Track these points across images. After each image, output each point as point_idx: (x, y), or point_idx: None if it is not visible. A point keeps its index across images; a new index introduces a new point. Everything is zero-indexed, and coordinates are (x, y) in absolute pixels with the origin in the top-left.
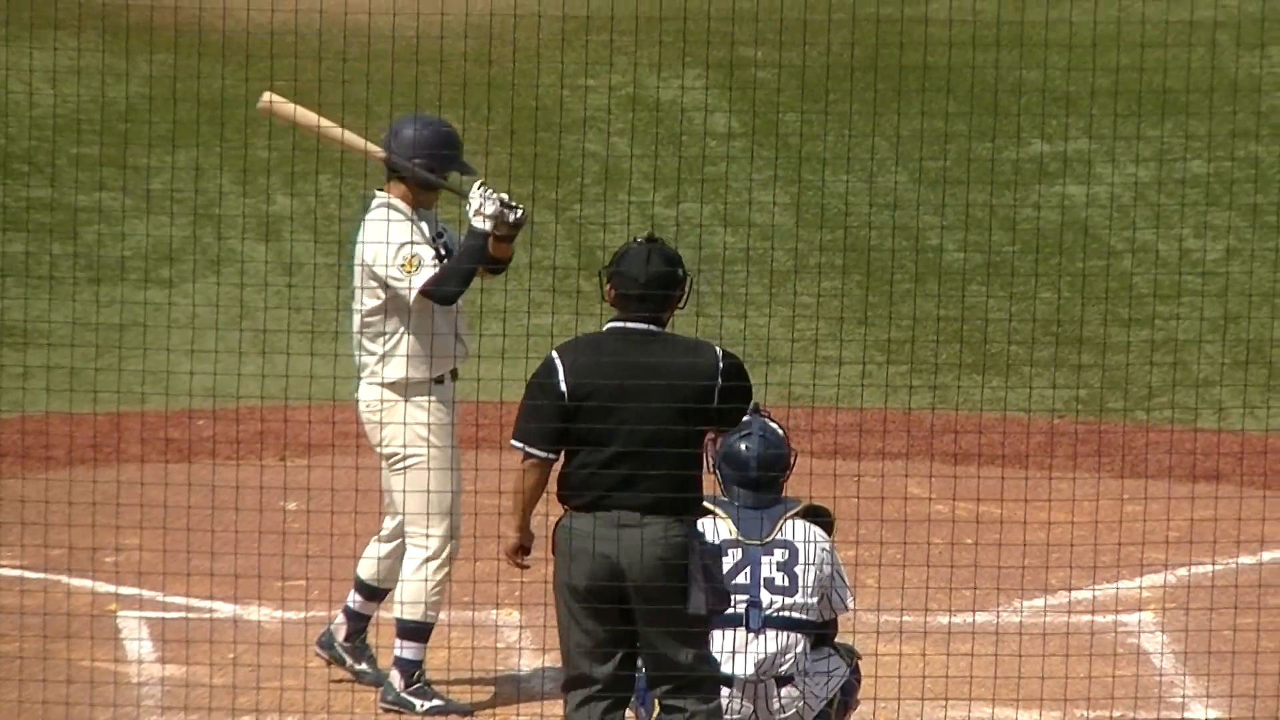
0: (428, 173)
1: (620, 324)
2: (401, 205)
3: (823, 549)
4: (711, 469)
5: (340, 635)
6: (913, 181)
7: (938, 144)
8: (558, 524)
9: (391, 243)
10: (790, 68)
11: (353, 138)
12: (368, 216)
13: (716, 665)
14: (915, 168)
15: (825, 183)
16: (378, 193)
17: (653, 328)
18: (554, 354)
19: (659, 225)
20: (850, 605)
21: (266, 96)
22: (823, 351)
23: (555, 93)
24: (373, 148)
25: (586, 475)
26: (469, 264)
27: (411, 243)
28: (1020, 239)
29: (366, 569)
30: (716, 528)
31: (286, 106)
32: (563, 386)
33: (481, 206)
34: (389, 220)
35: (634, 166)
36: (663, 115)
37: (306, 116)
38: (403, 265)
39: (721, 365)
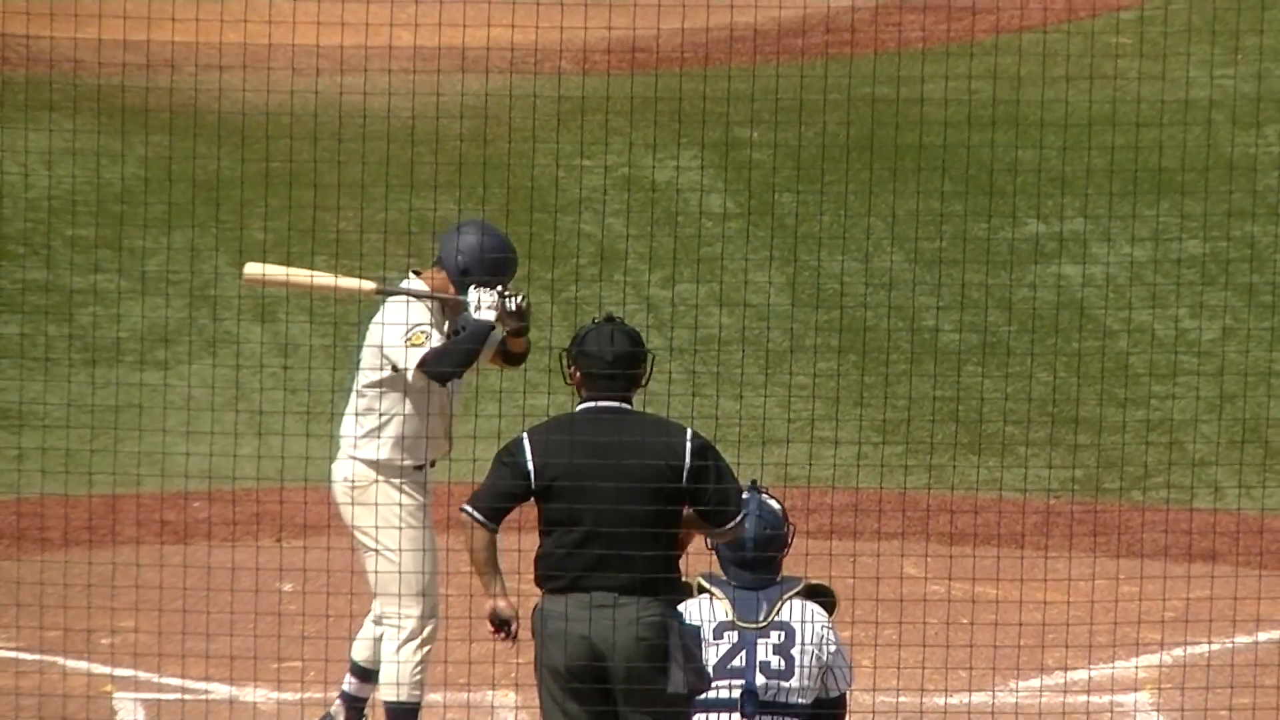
0: (463, 272)
1: (591, 403)
2: (419, 302)
3: (822, 627)
4: (709, 548)
5: (341, 719)
6: (909, 262)
7: (934, 224)
8: (535, 608)
9: (398, 323)
10: (786, 148)
11: (346, 281)
12: (385, 309)
13: None
14: (911, 248)
15: (821, 263)
16: (412, 275)
17: (624, 405)
18: (524, 434)
19: (654, 306)
20: (850, 683)
21: (251, 269)
22: (819, 432)
23: (551, 173)
24: (364, 284)
25: (561, 557)
26: (469, 345)
27: (425, 325)
28: (1016, 319)
29: (360, 651)
30: (713, 609)
31: (275, 271)
32: (529, 466)
33: (480, 301)
34: (401, 305)
35: (629, 247)
36: (658, 196)
37: (297, 275)
38: (409, 339)
39: (690, 446)
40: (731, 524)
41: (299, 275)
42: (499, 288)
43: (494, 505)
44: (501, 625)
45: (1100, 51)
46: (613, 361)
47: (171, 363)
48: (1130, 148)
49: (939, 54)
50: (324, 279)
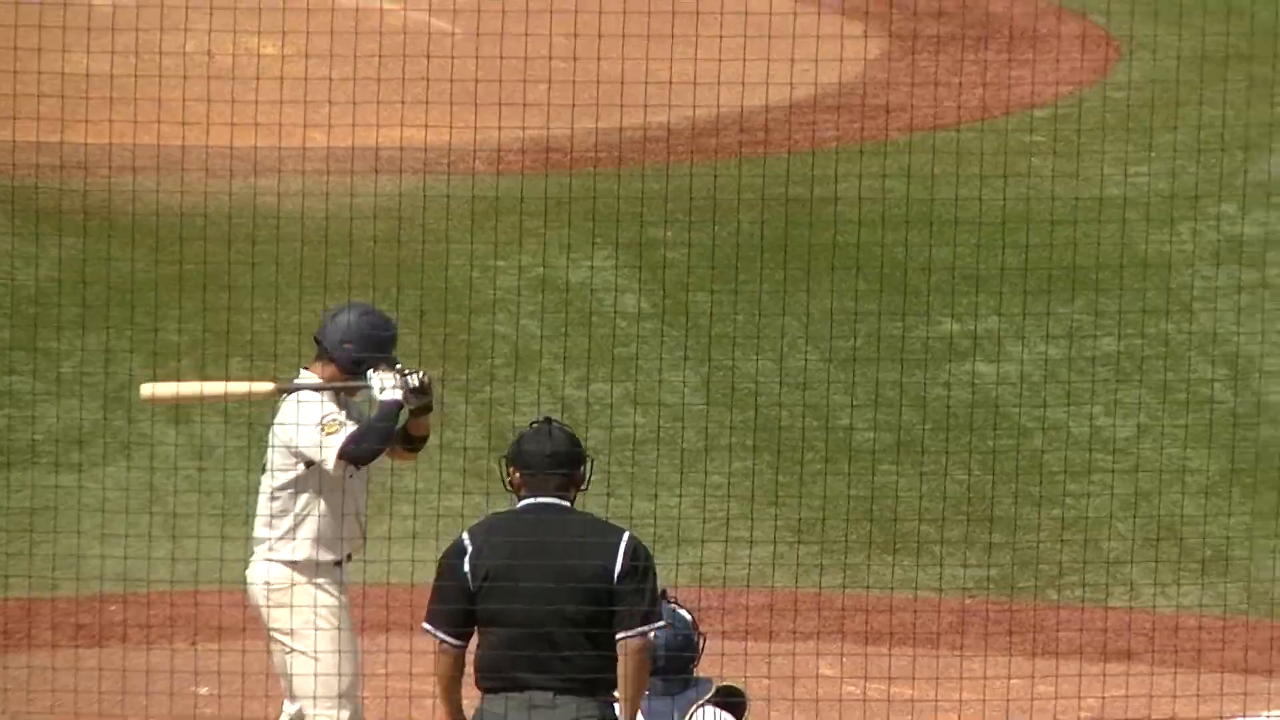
0: (355, 362)
1: (531, 501)
2: (323, 383)
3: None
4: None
5: None
6: (823, 360)
7: (848, 323)
8: (475, 709)
9: (314, 418)
10: (700, 247)
11: (237, 387)
12: (284, 408)
13: None
14: (826, 347)
15: (736, 363)
16: (303, 371)
17: (563, 503)
18: (464, 534)
19: (569, 406)
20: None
21: (146, 389)
22: (734, 532)
23: (465, 274)
24: (257, 386)
25: (497, 657)
26: (385, 423)
27: (335, 414)
28: (931, 418)
29: None
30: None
31: (167, 389)
32: (466, 567)
33: (383, 383)
34: (306, 402)
35: (544, 348)
36: (573, 296)
37: (188, 389)
38: (323, 430)
39: (625, 543)
40: (639, 629)
41: (190, 389)
42: (398, 367)
43: (449, 617)
44: None
45: (1014, 150)
46: (550, 456)
47: (86, 465)
48: (1045, 245)
49: (853, 153)
50: (214, 388)
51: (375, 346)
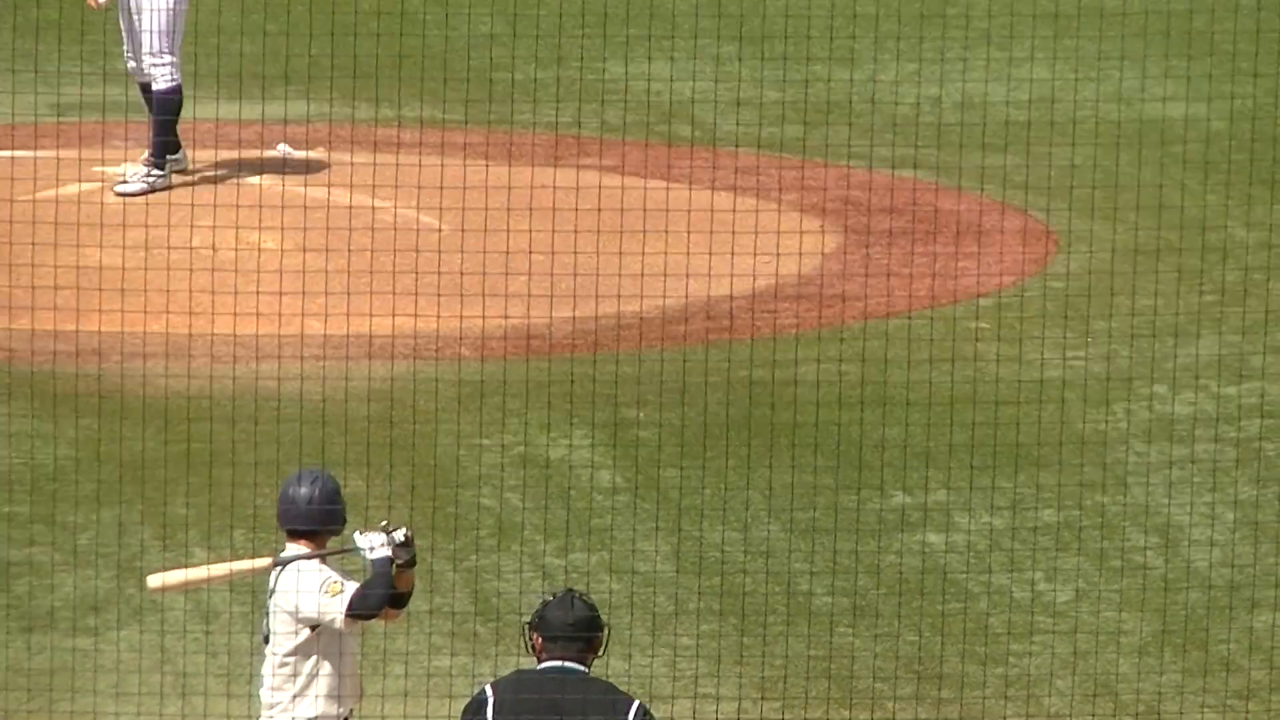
0: (325, 528)
1: (552, 664)
2: (313, 559)
3: None
4: None
5: None
6: (784, 531)
7: (807, 496)
8: None
9: (315, 585)
10: (670, 427)
11: (240, 565)
12: (282, 579)
13: None
14: (787, 519)
15: (703, 533)
16: (289, 545)
17: (581, 668)
18: (487, 687)
19: (549, 574)
20: None
21: (154, 580)
22: (702, 689)
23: (453, 453)
24: (257, 563)
25: None
26: (383, 582)
27: (333, 577)
28: (884, 583)
29: None
30: None
31: (175, 577)
32: (490, 716)
33: (372, 544)
34: (305, 571)
35: (525, 519)
36: (552, 472)
37: (194, 574)
38: (327, 592)
39: (633, 714)
40: None
41: (196, 574)
42: (383, 524)
43: None
44: None
45: (961, 336)
46: (572, 624)
47: (101, 629)
48: (989, 424)
49: (811, 339)
50: (219, 569)
51: (339, 515)
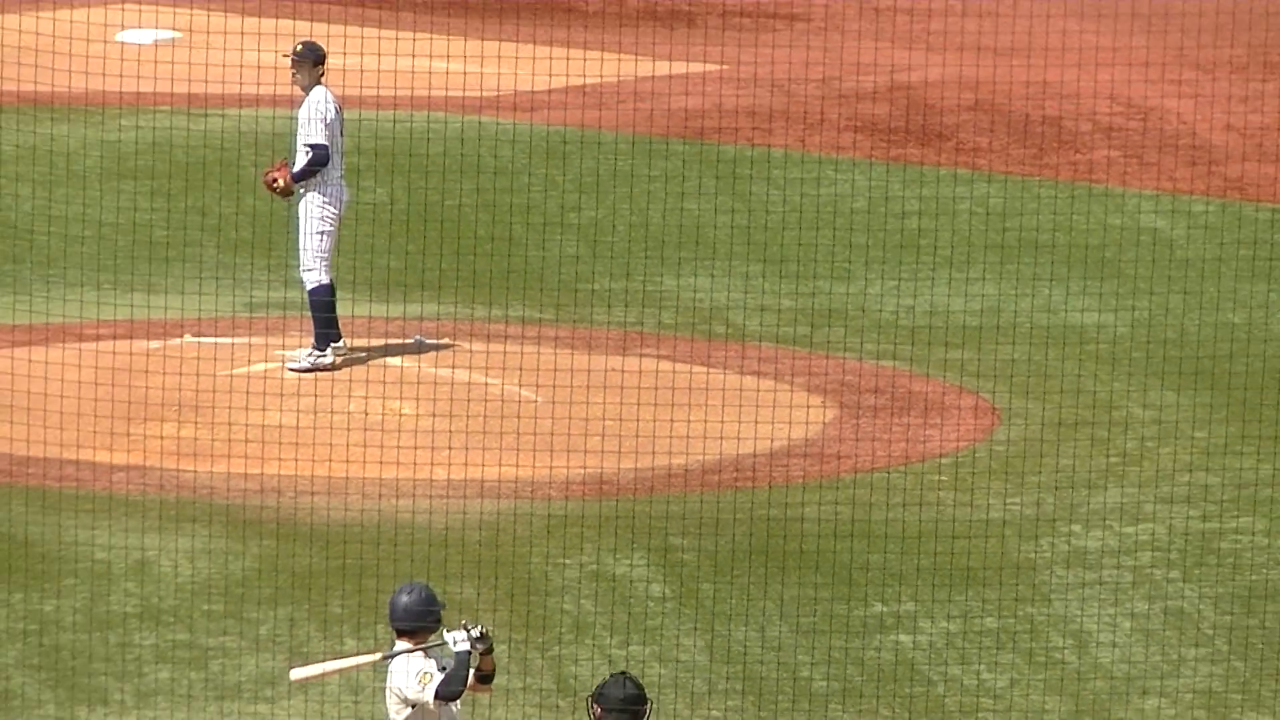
0: (419, 625)
1: None
2: (419, 653)
3: None
4: None
5: None
6: (791, 632)
7: (809, 605)
8: None
9: (412, 672)
10: (705, 552)
11: (360, 660)
12: (394, 665)
13: None
14: (794, 622)
15: (730, 632)
16: (397, 642)
17: None
18: None
19: (613, 661)
20: None
21: (296, 674)
22: None
23: (542, 568)
24: (372, 658)
25: None
26: (462, 670)
27: (427, 668)
28: (866, 672)
29: None
30: None
31: (312, 671)
32: None
33: (455, 640)
34: (410, 660)
35: (596, 620)
36: (616, 585)
37: (327, 668)
38: (419, 681)
39: None
40: None
41: (328, 667)
42: (464, 623)
43: None
44: None
45: (926, 486)
46: (624, 699)
47: (275, 699)
48: (947, 552)
49: (814, 487)
50: (345, 663)
51: (431, 613)
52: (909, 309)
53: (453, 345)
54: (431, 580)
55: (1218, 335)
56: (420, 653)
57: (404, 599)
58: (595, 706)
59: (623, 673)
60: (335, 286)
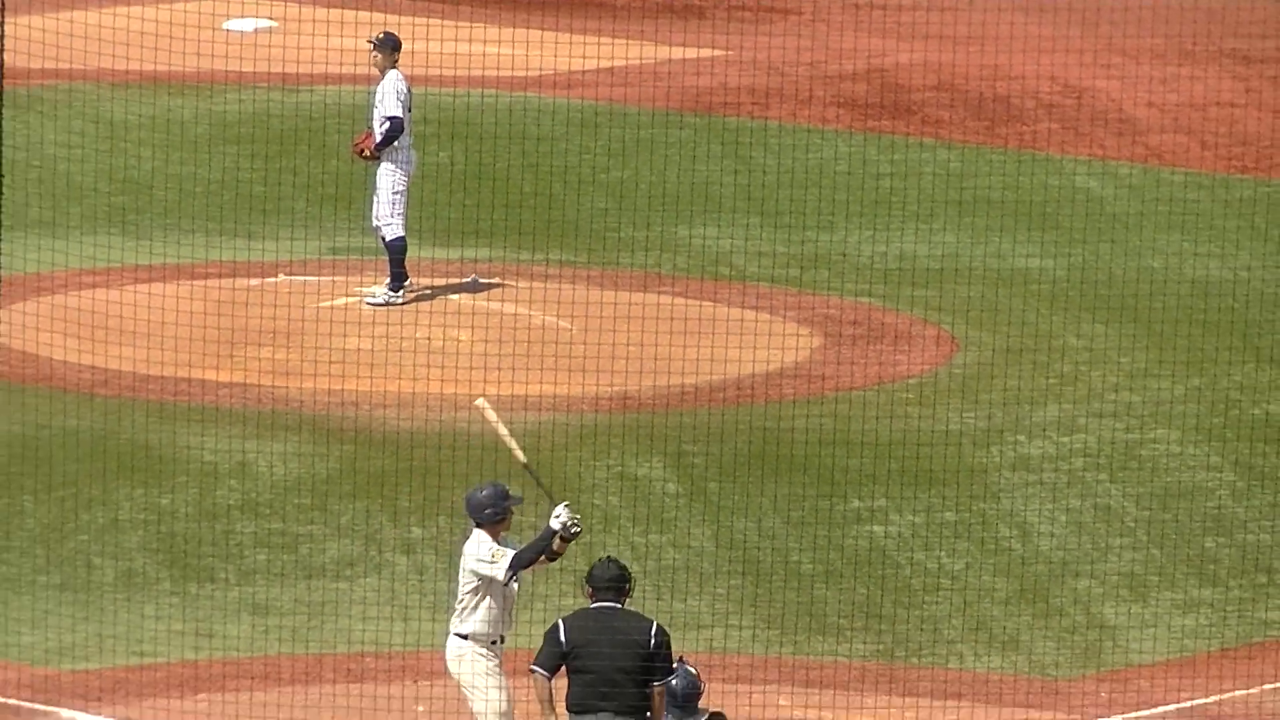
0: (497, 515)
1: (598, 604)
2: (487, 535)
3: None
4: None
5: None
6: (784, 524)
7: (798, 501)
8: None
9: (483, 550)
10: (712, 457)
11: (519, 453)
12: (468, 542)
13: None
14: (785, 515)
15: (732, 524)
16: (475, 530)
17: (614, 605)
18: (560, 620)
19: (635, 549)
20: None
21: (482, 402)
22: (730, 622)
23: (575, 470)
24: (521, 456)
25: (581, 692)
26: (541, 544)
27: (498, 547)
28: (845, 557)
29: None
30: None
31: (493, 417)
32: (562, 639)
33: (560, 515)
34: (481, 541)
35: (621, 513)
36: (638, 484)
37: (503, 430)
38: (492, 556)
39: (654, 629)
40: (664, 680)
41: (504, 431)
42: (575, 517)
43: (549, 663)
44: None
45: (896, 403)
46: (610, 579)
47: (354, 577)
48: (914, 458)
49: (803, 403)
50: (512, 443)
51: (505, 507)
52: (882, 254)
53: (501, 283)
54: (480, 481)
55: (1139, 277)
56: (489, 532)
57: (479, 495)
58: (587, 587)
59: (608, 556)
60: (407, 238)
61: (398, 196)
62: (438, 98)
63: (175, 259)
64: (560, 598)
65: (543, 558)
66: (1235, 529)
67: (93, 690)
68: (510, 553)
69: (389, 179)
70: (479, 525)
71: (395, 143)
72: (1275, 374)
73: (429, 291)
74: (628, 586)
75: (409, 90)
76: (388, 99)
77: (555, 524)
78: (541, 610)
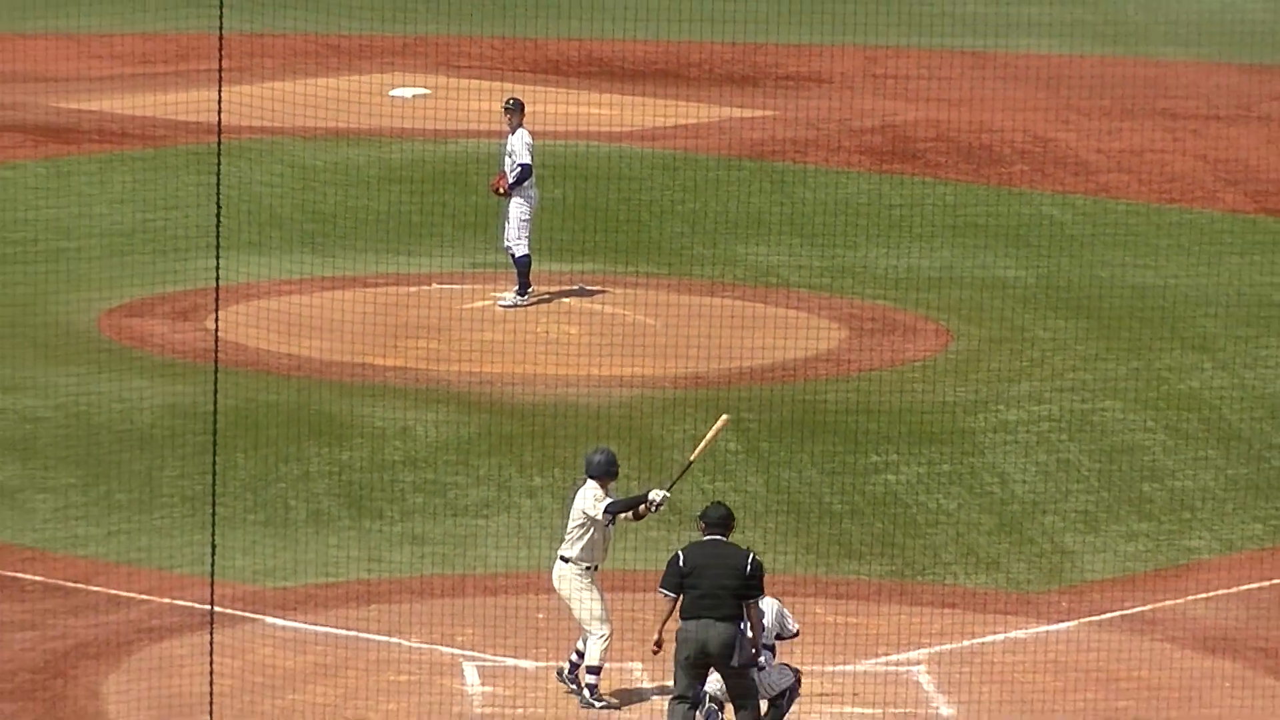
0: (607, 473)
1: (708, 537)
2: (599, 488)
3: (777, 608)
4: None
5: (567, 670)
6: (819, 473)
7: (828, 457)
8: (680, 628)
9: (589, 497)
10: (763, 422)
11: (696, 452)
12: (580, 490)
13: (755, 691)
14: (820, 467)
15: (780, 474)
16: (589, 480)
17: (720, 538)
18: (679, 551)
19: (705, 492)
20: (795, 628)
21: (725, 416)
22: (777, 550)
23: (660, 434)
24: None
25: (690, 604)
26: (630, 503)
27: (598, 496)
28: (866, 500)
29: (581, 645)
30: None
31: (717, 426)
32: (681, 564)
33: (656, 495)
34: (590, 490)
35: (696, 466)
36: (714, 448)
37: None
38: (596, 500)
39: (751, 557)
40: (755, 599)
41: (706, 441)
42: (664, 493)
43: (671, 584)
44: (658, 646)
45: (906, 380)
46: (718, 518)
47: (490, 515)
48: (919, 423)
49: (834, 381)
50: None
51: (615, 470)
52: (894, 267)
53: (602, 289)
54: (586, 441)
55: (1092, 283)
56: (600, 486)
57: (596, 457)
58: (700, 523)
59: (717, 501)
60: (532, 255)
61: (525, 223)
62: (554, 147)
63: (352, 272)
64: (649, 531)
65: (630, 515)
66: (1166, 477)
67: (289, 603)
68: (609, 501)
69: (519, 210)
70: (592, 478)
71: (525, 183)
72: (1196, 358)
73: (547, 296)
74: (731, 524)
75: (533, 142)
76: (521, 149)
77: (653, 495)
78: (636, 545)
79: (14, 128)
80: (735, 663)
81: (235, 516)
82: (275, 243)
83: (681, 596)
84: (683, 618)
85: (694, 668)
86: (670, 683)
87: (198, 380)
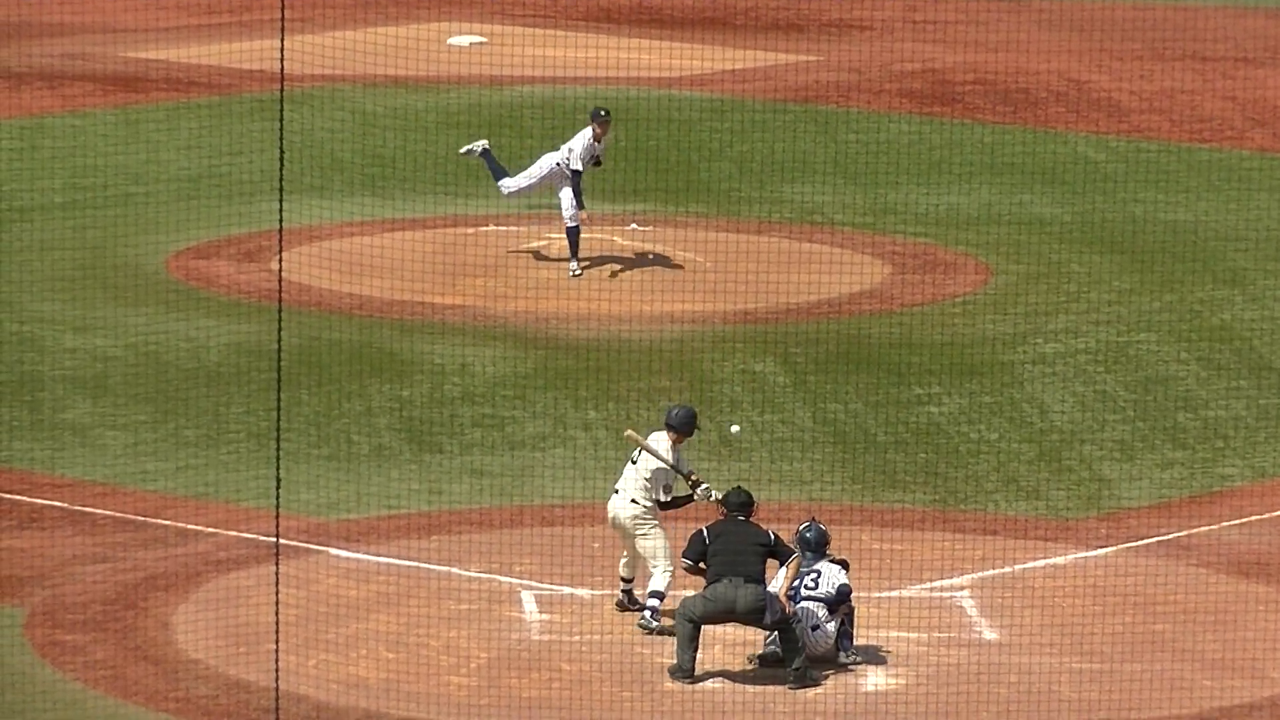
0: (684, 429)
1: (729, 517)
2: (669, 441)
3: (839, 571)
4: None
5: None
6: (865, 406)
7: (873, 389)
8: (707, 587)
9: (659, 480)
10: (810, 355)
11: (645, 441)
12: (654, 434)
13: (798, 639)
14: (866, 400)
15: (827, 407)
16: (654, 434)
17: (742, 518)
18: (703, 528)
19: (754, 427)
20: (845, 580)
21: (631, 433)
22: (824, 478)
23: (710, 369)
24: (633, 436)
25: (714, 569)
26: (681, 499)
27: (668, 482)
28: (910, 431)
29: (624, 569)
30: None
31: (635, 436)
32: (705, 536)
33: (701, 485)
34: (656, 455)
35: (746, 399)
36: (757, 378)
37: (636, 436)
38: (671, 464)
39: (770, 533)
40: (790, 556)
41: (638, 436)
42: (715, 493)
43: (694, 553)
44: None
45: (947, 315)
46: (740, 502)
47: (546, 448)
48: (961, 357)
49: (878, 316)
50: (637, 437)
51: (693, 426)
52: (935, 206)
53: (653, 228)
54: (639, 376)
55: (1126, 220)
56: (670, 443)
57: (677, 411)
58: (721, 509)
59: (738, 486)
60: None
61: (576, 192)
62: (606, 92)
63: (411, 214)
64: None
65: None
66: (1199, 407)
67: (353, 534)
68: (669, 498)
69: (578, 184)
70: (670, 428)
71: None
72: (1228, 292)
73: (600, 236)
74: (753, 507)
75: (593, 139)
76: (577, 149)
77: (700, 490)
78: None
79: (85, 77)
80: (768, 620)
81: (300, 451)
82: (337, 186)
83: (706, 568)
84: (709, 581)
85: (714, 617)
86: (688, 592)
87: (263, 319)
